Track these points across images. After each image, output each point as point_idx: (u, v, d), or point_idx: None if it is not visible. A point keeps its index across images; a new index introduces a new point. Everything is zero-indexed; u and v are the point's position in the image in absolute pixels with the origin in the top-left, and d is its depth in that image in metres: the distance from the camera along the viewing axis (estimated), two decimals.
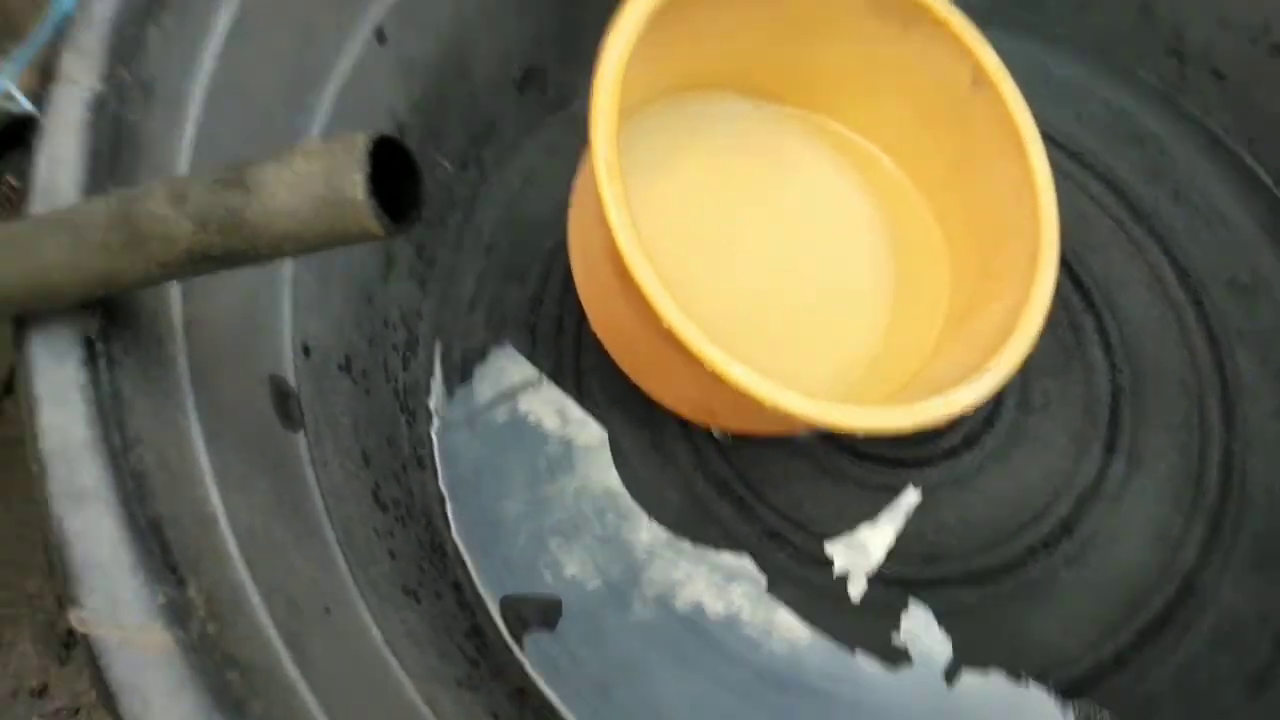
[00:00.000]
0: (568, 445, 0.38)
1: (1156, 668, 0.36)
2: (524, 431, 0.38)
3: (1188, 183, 0.44)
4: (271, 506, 0.25)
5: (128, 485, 0.21)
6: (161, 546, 0.20)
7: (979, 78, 0.34)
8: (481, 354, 0.39)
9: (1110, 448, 0.39)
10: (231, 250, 0.18)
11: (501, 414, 0.38)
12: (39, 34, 0.24)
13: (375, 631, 0.27)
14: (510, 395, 0.38)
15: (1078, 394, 0.40)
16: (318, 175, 0.17)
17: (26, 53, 0.24)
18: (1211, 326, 0.41)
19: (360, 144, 0.16)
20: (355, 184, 0.16)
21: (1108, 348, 0.41)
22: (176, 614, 0.20)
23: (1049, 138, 0.35)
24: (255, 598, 0.22)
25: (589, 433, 0.38)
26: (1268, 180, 0.44)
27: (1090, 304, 0.42)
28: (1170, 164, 0.45)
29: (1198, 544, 0.37)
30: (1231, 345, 0.41)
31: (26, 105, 0.23)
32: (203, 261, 0.18)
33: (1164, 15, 0.44)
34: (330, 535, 0.28)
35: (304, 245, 0.17)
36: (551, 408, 0.38)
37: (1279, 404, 0.40)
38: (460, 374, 0.39)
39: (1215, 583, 0.37)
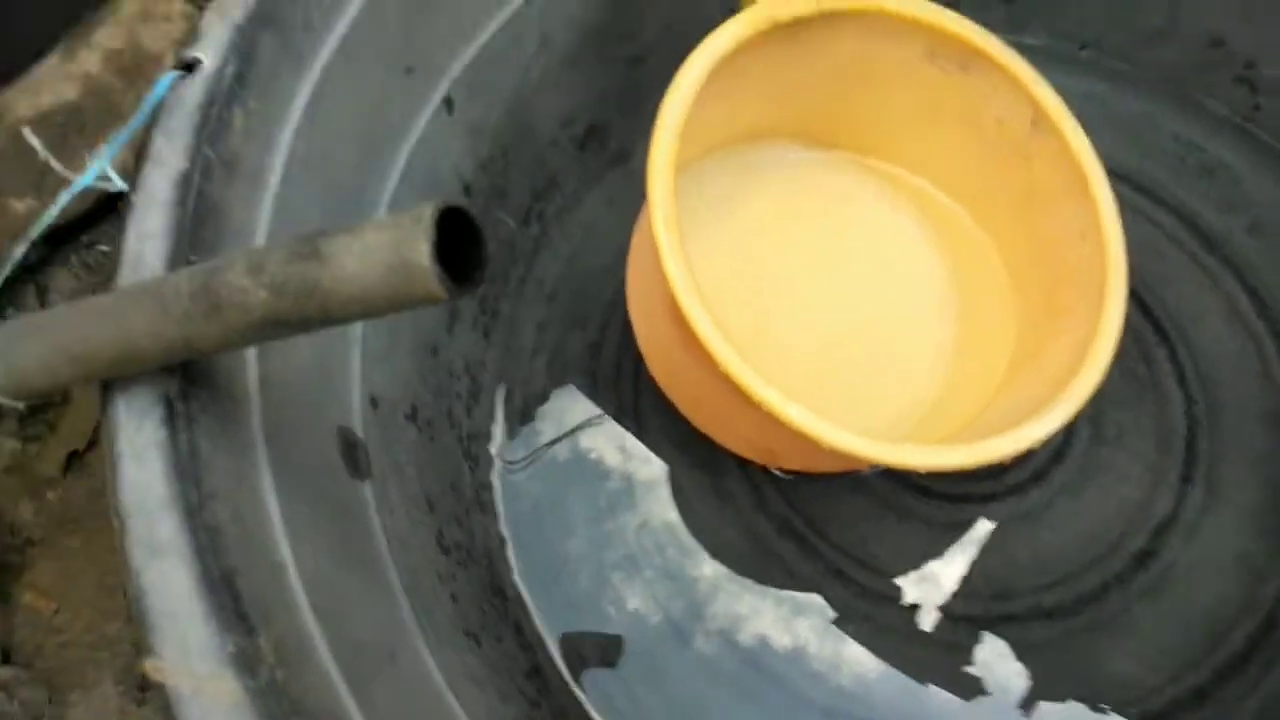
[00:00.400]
0: (629, 480, 0.38)
1: (1238, 704, 0.34)
2: (586, 468, 0.38)
3: (1264, 212, 0.43)
4: (338, 554, 0.26)
5: (202, 539, 0.22)
6: (233, 597, 0.21)
7: (1039, 118, 0.34)
8: (543, 398, 0.40)
9: (1187, 479, 0.38)
10: (304, 316, 0.19)
11: (564, 451, 0.39)
12: (135, 119, 0.25)
13: (437, 675, 0.28)
14: (573, 433, 0.39)
15: (1151, 426, 0.39)
16: (387, 245, 0.17)
17: (122, 136, 0.25)
18: None
19: (427, 215, 0.17)
20: (422, 252, 0.17)
21: (1182, 379, 0.40)
22: (246, 662, 0.21)
23: (1114, 173, 0.34)
24: (322, 645, 0.23)
25: (650, 468, 0.38)
26: None
27: (1163, 336, 0.41)
28: (1244, 194, 0.43)
29: None
30: None
31: (120, 184, 0.25)
32: (277, 327, 0.19)
33: (1236, 47, 0.43)
34: (395, 581, 0.29)
35: (373, 310, 0.18)
36: (613, 444, 0.39)
37: None
38: (521, 417, 0.39)
39: None
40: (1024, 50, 0.35)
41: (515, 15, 0.38)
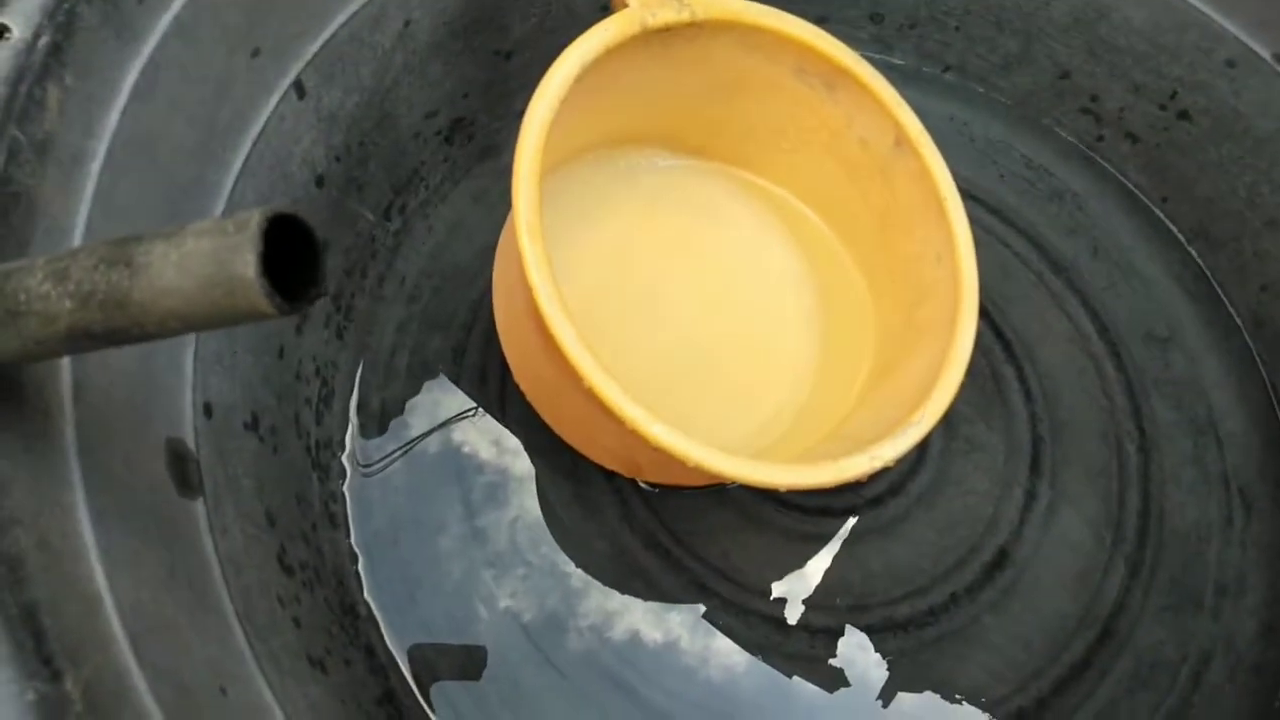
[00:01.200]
0: (503, 475, 0.37)
1: (1078, 710, 0.36)
2: (459, 462, 0.37)
3: (1105, 238, 0.45)
4: (164, 581, 0.24)
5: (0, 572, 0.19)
6: (35, 636, 0.19)
7: (901, 140, 0.34)
8: (401, 405, 0.38)
9: (1032, 493, 0.39)
10: (115, 329, 0.17)
11: (435, 444, 0.37)
12: None
13: (276, 710, 0.26)
14: (444, 426, 0.37)
15: (1000, 441, 0.40)
16: (208, 253, 0.16)
17: None
18: (1129, 377, 0.42)
19: (254, 222, 0.16)
20: (247, 263, 0.15)
21: (1028, 396, 0.41)
22: (49, 711, 0.18)
23: (971, 195, 0.35)
24: (141, 684, 0.21)
25: (525, 463, 0.37)
26: (1180, 237, 0.46)
27: (1011, 354, 0.42)
28: (1088, 220, 0.46)
29: (1118, 586, 0.38)
30: (1148, 394, 0.42)
31: None
32: (84, 339, 0.17)
33: (1082, 81, 0.45)
34: (229, 608, 0.26)
35: (193, 325, 0.17)
36: (487, 438, 0.38)
37: (1193, 450, 0.41)
38: (379, 424, 0.37)
39: (1134, 624, 0.38)
40: (890, 70, 0.35)
41: None
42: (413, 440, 0.37)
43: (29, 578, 0.20)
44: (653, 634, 0.35)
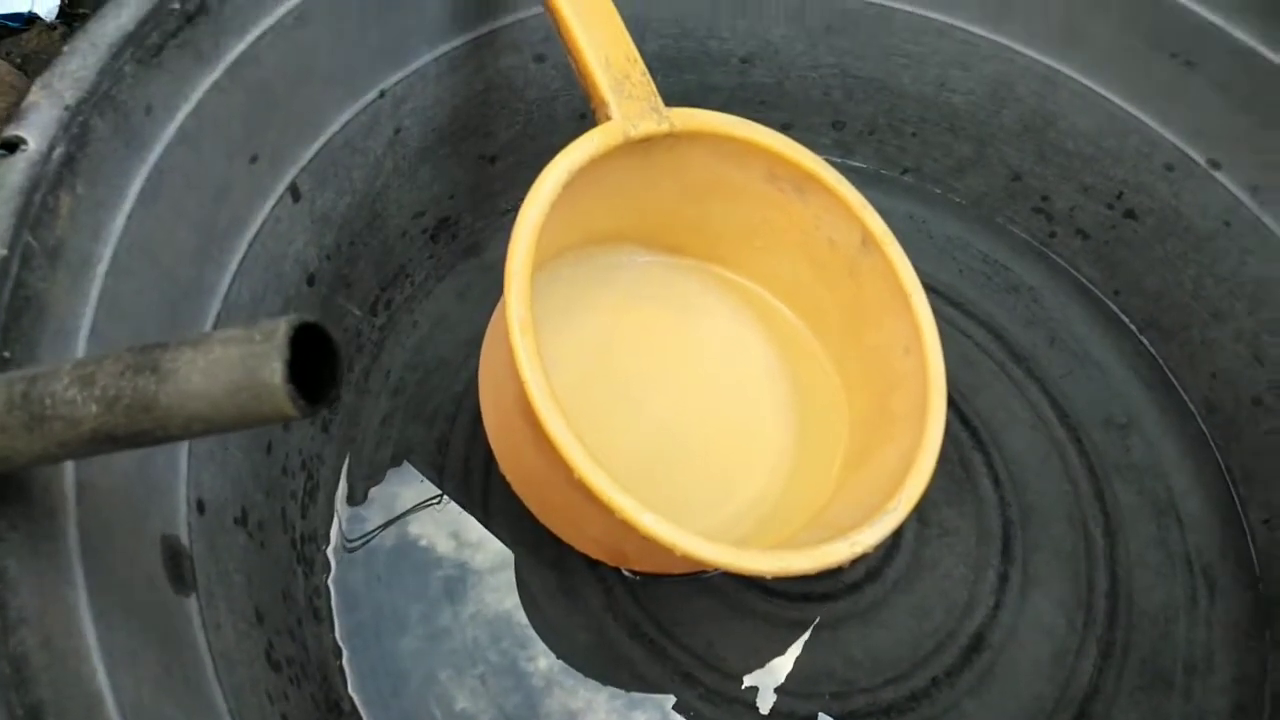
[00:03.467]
0: (462, 569, 0.37)
1: None
2: (415, 557, 0.37)
3: (1061, 328, 0.48)
4: (161, 678, 0.24)
5: (5, 671, 0.19)
6: None
7: (867, 240, 0.36)
8: (381, 483, 0.38)
9: (1005, 576, 0.40)
10: (138, 432, 0.17)
11: (390, 539, 0.37)
12: None
13: None
14: (409, 514, 0.38)
15: (972, 525, 0.41)
16: (236, 361, 0.17)
17: None
18: (1091, 461, 0.44)
19: (281, 331, 0.17)
20: (274, 371, 0.16)
21: (996, 481, 0.43)
22: None
23: (933, 289, 0.37)
24: None
25: (485, 555, 0.37)
26: (1132, 327, 0.48)
27: (979, 441, 0.44)
28: (1044, 312, 0.48)
29: (1091, 668, 0.39)
30: (1110, 478, 0.44)
31: None
32: (106, 442, 0.18)
33: (1033, 183, 0.48)
34: (221, 705, 0.26)
35: (216, 428, 0.17)
36: (445, 530, 0.38)
37: (1156, 532, 0.42)
38: (361, 502, 0.38)
39: (1109, 707, 0.38)
40: (852, 172, 0.37)
41: (368, 106, 0.37)
42: (392, 520, 0.38)
43: (34, 678, 0.20)
44: (641, 699, 0.35)
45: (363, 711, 0.34)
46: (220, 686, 0.27)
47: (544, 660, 0.36)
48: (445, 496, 0.38)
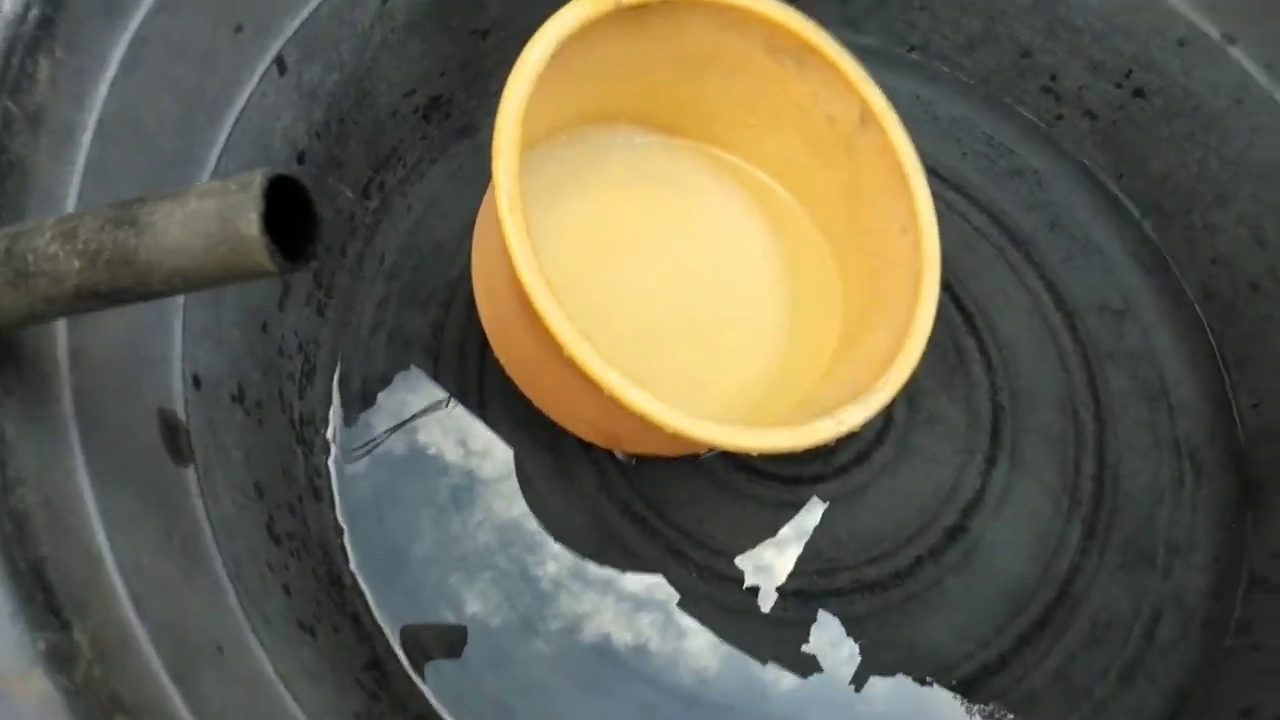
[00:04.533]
0: (469, 477, 0.38)
1: (1037, 666, 0.38)
2: (424, 463, 0.37)
3: (1063, 213, 0.47)
4: (160, 543, 0.25)
5: (6, 527, 0.20)
6: (44, 589, 0.20)
7: (866, 116, 0.35)
8: (383, 381, 0.39)
9: (992, 460, 0.41)
10: (121, 287, 0.17)
11: (400, 445, 0.38)
12: None
13: (269, 668, 0.27)
14: (410, 424, 0.38)
15: (961, 410, 0.42)
16: (212, 213, 0.16)
17: None
18: (1085, 347, 0.44)
19: (256, 182, 0.16)
20: (250, 222, 0.16)
21: (989, 367, 0.43)
22: (60, 659, 0.19)
23: (934, 171, 0.37)
24: (143, 637, 0.22)
25: (492, 463, 0.38)
26: (1134, 212, 0.47)
27: (972, 326, 0.44)
28: (1047, 196, 0.47)
29: (1074, 548, 0.40)
30: (1103, 364, 0.44)
31: None
32: (91, 298, 0.18)
33: (1042, 60, 0.47)
34: (221, 571, 0.27)
35: (196, 282, 0.17)
36: (453, 438, 0.38)
37: (1146, 417, 0.43)
38: (360, 402, 0.38)
39: (1090, 584, 0.39)
40: (857, 49, 0.36)
41: None
42: (393, 428, 0.38)
43: (35, 535, 0.20)
44: (652, 597, 0.36)
45: (364, 587, 0.35)
46: (219, 553, 0.27)
47: (551, 563, 0.36)
48: (452, 400, 0.39)
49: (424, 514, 0.37)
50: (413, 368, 0.39)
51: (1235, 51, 0.42)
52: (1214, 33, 0.42)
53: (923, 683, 0.37)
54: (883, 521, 0.39)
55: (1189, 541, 0.41)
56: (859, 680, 0.36)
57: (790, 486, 0.39)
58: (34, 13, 0.25)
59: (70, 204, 0.25)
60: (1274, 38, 0.41)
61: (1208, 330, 0.45)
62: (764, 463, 0.39)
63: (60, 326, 0.24)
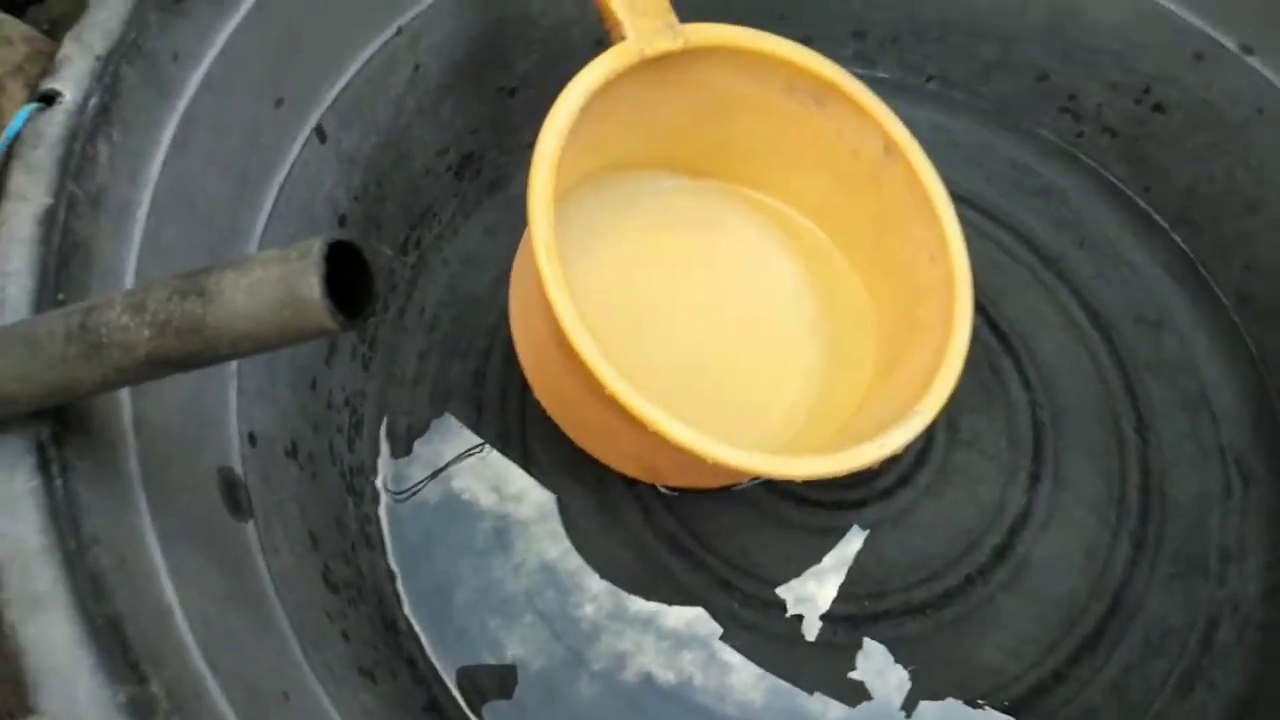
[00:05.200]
0: (504, 521, 0.38)
1: (1093, 680, 0.37)
2: (459, 510, 0.38)
3: (1091, 229, 0.47)
4: (225, 596, 0.26)
5: (84, 586, 0.21)
6: (121, 645, 0.21)
7: (890, 148, 0.36)
8: (428, 429, 0.40)
9: (1036, 477, 0.41)
10: (190, 353, 0.18)
11: (435, 494, 0.38)
12: None
13: (334, 714, 0.27)
14: (455, 469, 0.39)
15: (1002, 429, 0.42)
16: (275, 279, 0.18)
17: None
18: (1122, 360, 0.44)
19: (316, 249, 0.17)
20: (312, 286, 0.17)
21: (1027, 385, 0.43)
22: (139, 711, 0.20)
23: (959, 197, 0.37)
24: (215, 688, 0.23)
25: (525, 508, 0.38)
26: (1163, 224, 0.47)
27: (1008, 346, 0.44)
28: (1073, 213, 0.48)
29: (1124, 561, 0.40)
30: (1141, 376, 0.44)
31: None
32: (161, 365, 0.19)
33: (1060, 82, 0.48)
34: (283, 621, 0.28)
35: (262, 345, 0.18)
36: (487, 484, 0.39)
37: (1188, 426, 0.43)
38: (407, 451, 0.39)
39: (1142, 595, 0.39)
40: (875, 83, 0.37)
41: (386, 44, 0.38)
42: (440, 468, 0.39)
43: (110, 592, 0.21)
44: (693, 633, 0.37)
45: (419, 630, 0.36)
46: (281, 604, 0.28)
47: (589, 605, 0.37)
48: (487, 445, 0.39)
49: (472, 557, 0.37)
50: (456, 415, 0.40)
51: (1254, 61, 0.42)
52: (1231, 44, 0.42)
53: (974, 705, 0.37)
54: (930, 543, 0.39)
55: (1241, 548, 0.40)
56: (909, 706, 0.36)
57: (834, 512, 0.40)
58: (93, 101, 0.26)
59: (129, 279, 0.26)
60: None
61: (1245, 337, 0.45)
62: (807, 490, 0.40)
63: (125, 394, 0.25)
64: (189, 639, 0.23)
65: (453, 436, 0.40)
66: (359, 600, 0.34)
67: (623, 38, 0.33)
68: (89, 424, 0.23)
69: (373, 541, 0.37)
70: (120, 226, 0.27)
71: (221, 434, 0.30)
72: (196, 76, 0.29)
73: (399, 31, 0.38)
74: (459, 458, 0.39)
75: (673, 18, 0.34)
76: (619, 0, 0.33)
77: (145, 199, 0.27)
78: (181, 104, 0.29)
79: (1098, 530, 0.40)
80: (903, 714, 0.36)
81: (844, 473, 0.31)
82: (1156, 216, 0.48)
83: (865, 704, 0.36)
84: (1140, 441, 0.42)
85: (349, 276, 0.19)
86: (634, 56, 0.33)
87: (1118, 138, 0.48)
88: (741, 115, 0.38)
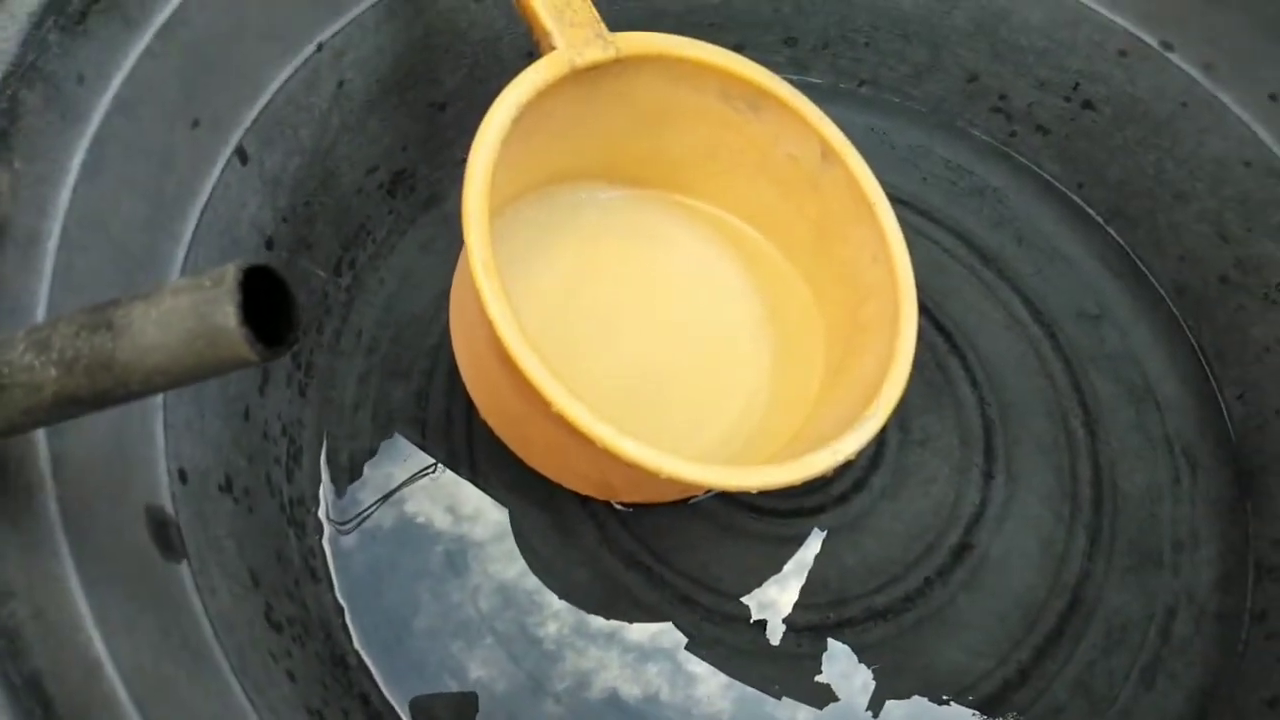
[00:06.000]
0: (460, 543, 0.37)
1: (1058, 676, 0.37)
2: (418, 534, 0.37)
3: (1028, 226, 0.48)
4: (159, 643, 0.24)
5: None
6: (43, 704, 0.19)
7: (827, 152, 0.36)
8: (370, 455, 0.38)
9: (989, 474, 0.41)
10: (100, 391, 0.17)
11: (388, 517, 0.37)
12: None
13: None
14: (401, 495, 0.38)
15: (952, 428, 0.42)
16: (188, 309, 0.16)
17: None
18: (1066, 354, 0.44)
19: (230, 275, 0.16)
20: (227, 314, 0.16)
21: (974, 383, 0.43)
22: None
23: (897, 199, 0.37)
24: None
25: (481, 528, 0.37)
26: (1098, 219, 0.48)
27: (953, 345, 0.44)
28: (1010, 211, 0.48)
29: (1080, 554, 0.40)
30: (1086, 369, 0.44)
31: None
32: (70, 405, 0.18)
33: (990, 82, 0.48)
34: (224, 664, 0.27)
35: (177, 379, 0.17)
36: (440, 505, 0.38)
37: (1135, 417, 0.43)
38: (349, 479, 0.38)
39: (1100, 588, 0.39)
40: (808, 89, 0.37)
41: (306, 61, 0.36)
42: (384, 496, 0.38)
43: (28, 648, 0.20)
44: (657, 646, 0.36)
45: (370, 664, 0.35)
46: (220, 647, 0.27)
47: (551, 624, 0.36)
48: (439, 465, 0.38)
49: (423, 585, 0.36)
50: (399, 439, 0.39)
51: (1175, 57, 0.43)
52: (1152, 41, 0.43)
53: (940, 703, 0.36)
54: (888, 546, 0.39)
55: (1193, 537, 0.41)
56: (875, 707, 0.36)
57: (791, 520, 0.39)
58: None
59: (40, 313, 0.25)
60: (1208, 40, 0.42)
61: (1184, 326, 0.45)
62: (763, 499, 0.39)
63: (40, 435, 0.23)
64: (121, 692, 0.22)
65: (402, 459, 0.38)
66: (305, 638, 0.33)
67: (552, 48, 0.33)
68: (1, 469, 0.22)
69: (318, 575, 0.36)
70: (28, 259, 0.25)
71: (148, 471, 0.28)
72: (105, 99, 0.28)
73: (320, 48, 0.37)
74: (411, 479, 0.38)
75: (602, 28, 0.34)
76: (547, 9, 0.33)
77: (55, 229, 0.26)
78: (90, 128, 0.28)
79: (1053, 525, 0.40)
80: (869, 714, 0.36)
81: (800, 481, 0.30)
82: (1091, 211, 0.48)
83: (833, 705, 0.36)
84: (1088, 435, 0.42)
85: (270, 303, 0.18)
86: (564, 67, 0.33)
87: (1050, 135, 0.48)
88: (677, 124, 0.38)
